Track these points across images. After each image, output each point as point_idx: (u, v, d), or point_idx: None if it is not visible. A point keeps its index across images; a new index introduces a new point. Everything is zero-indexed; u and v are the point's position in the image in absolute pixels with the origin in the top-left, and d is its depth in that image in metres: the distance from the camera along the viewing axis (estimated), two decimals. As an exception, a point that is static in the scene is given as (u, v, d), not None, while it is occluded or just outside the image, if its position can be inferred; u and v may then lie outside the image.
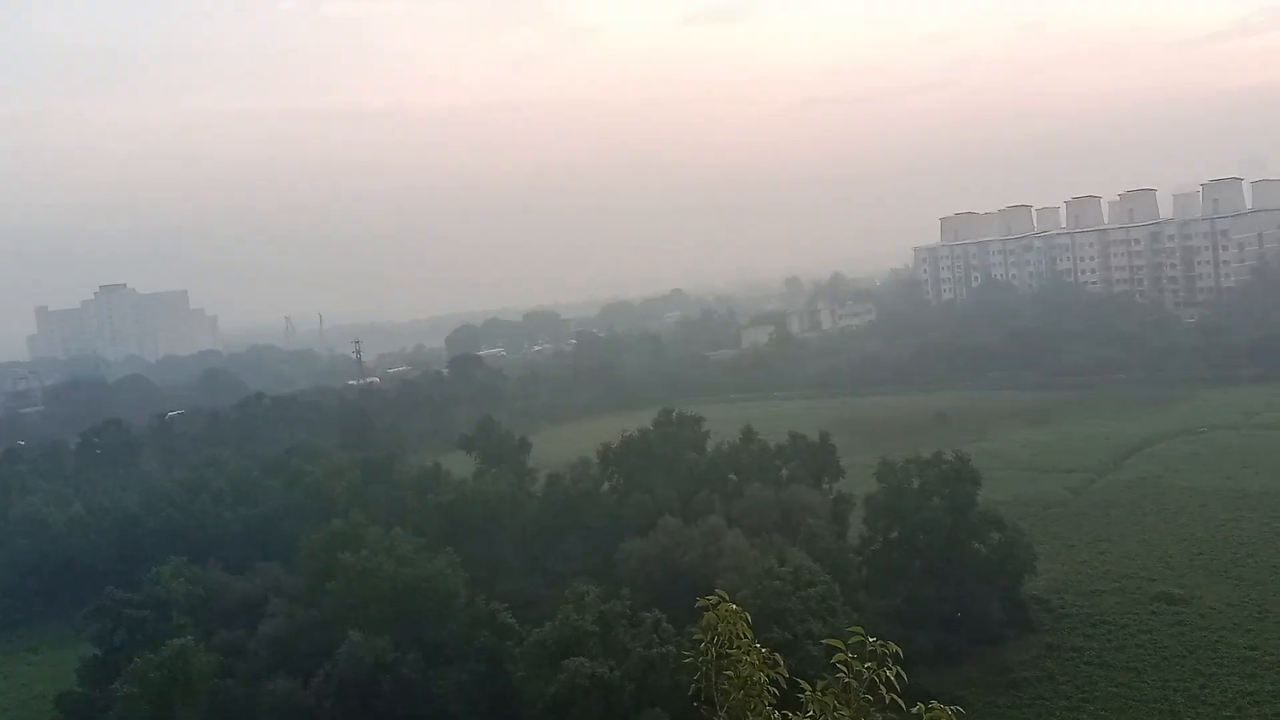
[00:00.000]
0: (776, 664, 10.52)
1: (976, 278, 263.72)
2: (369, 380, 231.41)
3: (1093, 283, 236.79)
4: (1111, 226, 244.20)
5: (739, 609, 10.71)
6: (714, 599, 10.76)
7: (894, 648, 10.25)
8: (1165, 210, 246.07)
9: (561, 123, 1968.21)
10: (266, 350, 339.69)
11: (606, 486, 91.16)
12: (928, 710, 10.01)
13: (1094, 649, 67.10)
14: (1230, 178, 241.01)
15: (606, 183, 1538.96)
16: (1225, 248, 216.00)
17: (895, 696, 10.04)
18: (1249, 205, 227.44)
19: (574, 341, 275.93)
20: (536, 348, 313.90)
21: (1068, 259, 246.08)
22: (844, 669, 10.10)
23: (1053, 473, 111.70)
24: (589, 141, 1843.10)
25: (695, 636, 10.80)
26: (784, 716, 10.22)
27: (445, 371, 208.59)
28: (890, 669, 10.13)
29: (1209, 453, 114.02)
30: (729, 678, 10.37)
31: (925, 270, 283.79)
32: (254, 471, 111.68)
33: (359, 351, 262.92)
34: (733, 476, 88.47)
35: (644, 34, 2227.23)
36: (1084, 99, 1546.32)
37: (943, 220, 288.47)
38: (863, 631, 10.38)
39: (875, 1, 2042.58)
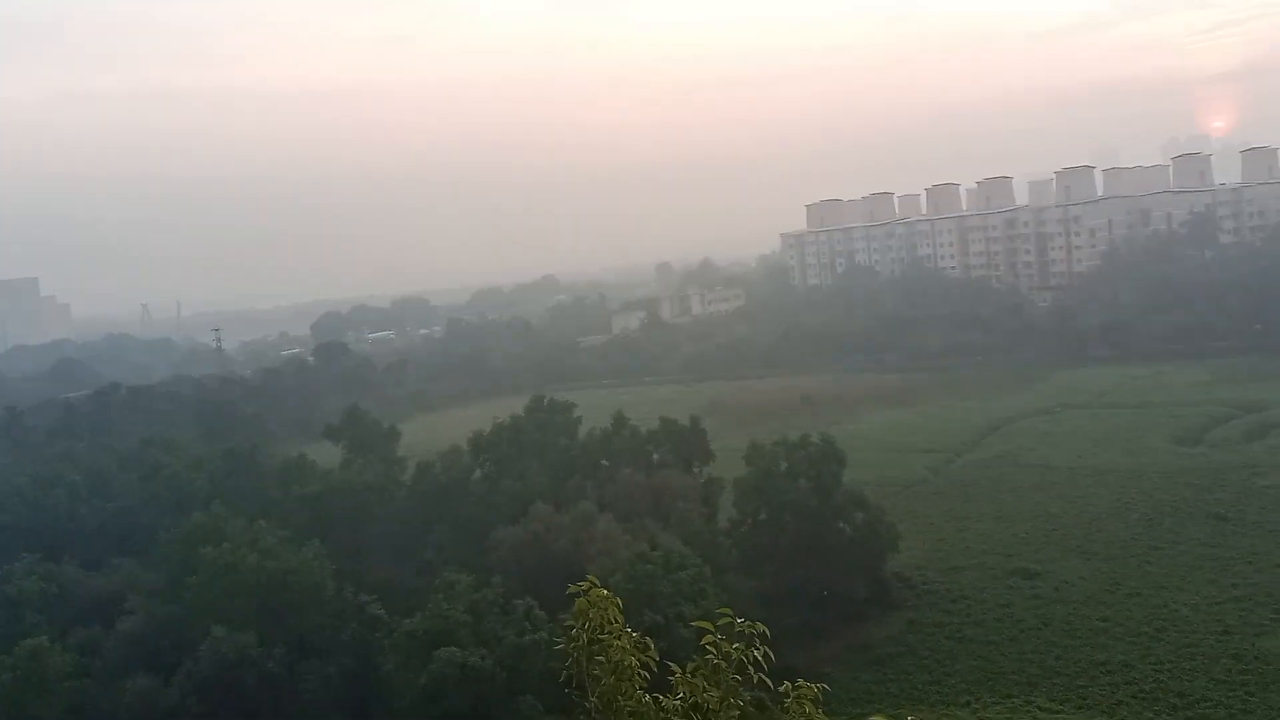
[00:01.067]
0: (648, 648, 10.55)
1: (841, 263, 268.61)
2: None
3: (952, 268, 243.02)
4: (969, 213, 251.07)
5: (610, 594, 10.71)
6: (585, 585, 10.74)
7: (762, 628, 10.37)
8: (1021, 197, 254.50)
9: (430, 106, 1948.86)
10: (122, 339, 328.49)
11: (478, 474, 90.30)
12: (795, 689, 10.17)
13: (954, 624, 69.01)
14: (1082, 166, 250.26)
15: (476, 168, 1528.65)
16: (1077, 233, 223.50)
17: (763, 676, 10.16)
18: (1100, 192, 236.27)
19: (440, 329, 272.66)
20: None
21: (928, 245, 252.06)
22: (713, 650, 10.19)
23: (914, 453, 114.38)
24: (458, 126, 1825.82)
25: (567, 623, 10.77)
26: (654, 699, 10.27)
27: (311, 359, 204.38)
28: (758, 649, 10.24)
29: (1061, 431, 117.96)
30: (600, 663, 10.37)
31: (793, 256, 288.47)
32: (110, 465, 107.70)
33: (219, 340, 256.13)
34: (605, 462, 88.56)
35: (514, 17, 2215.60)
36: (946, 90, 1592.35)
37: (809, 207, 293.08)
38: (731, 613, 10.48)
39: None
